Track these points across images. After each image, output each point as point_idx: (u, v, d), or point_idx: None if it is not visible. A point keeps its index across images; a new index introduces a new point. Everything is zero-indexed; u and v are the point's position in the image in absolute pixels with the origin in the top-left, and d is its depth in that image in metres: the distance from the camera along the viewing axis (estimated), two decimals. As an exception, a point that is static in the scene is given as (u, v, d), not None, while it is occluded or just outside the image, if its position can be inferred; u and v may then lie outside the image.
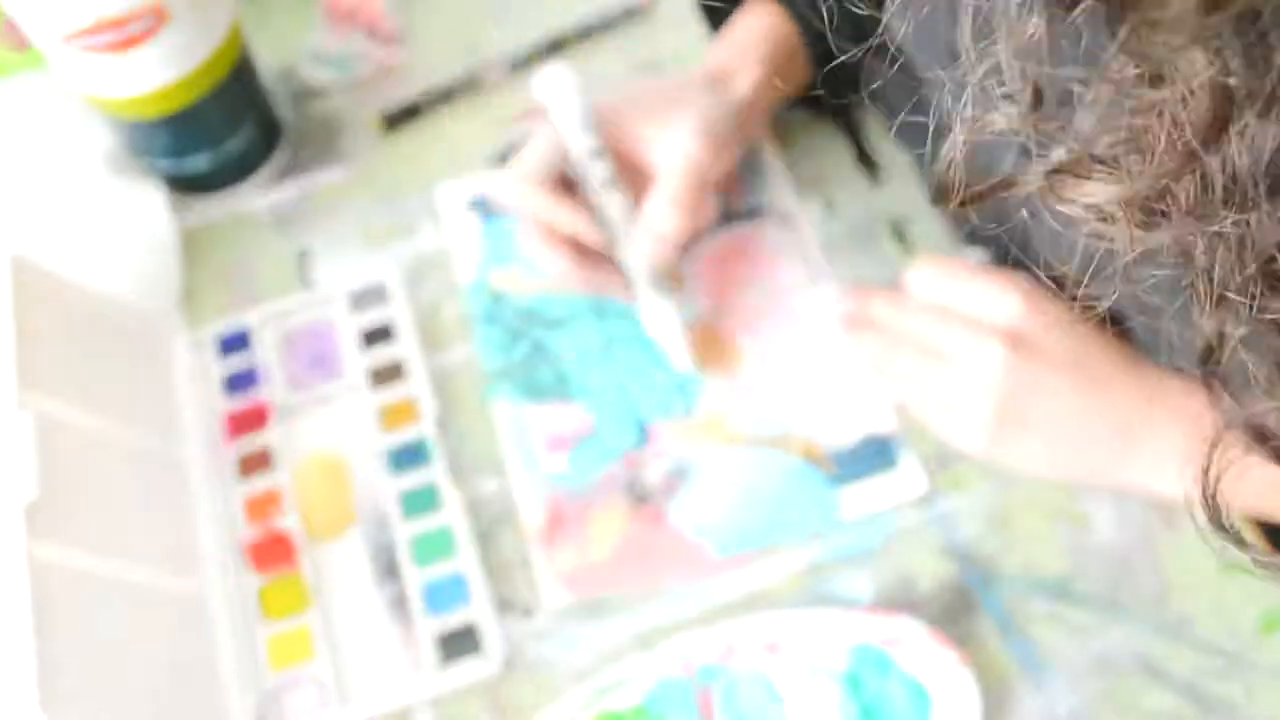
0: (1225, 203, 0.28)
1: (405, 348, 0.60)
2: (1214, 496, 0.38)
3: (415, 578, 0.55)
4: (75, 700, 0.44)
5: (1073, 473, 0.51)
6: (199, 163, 0.64)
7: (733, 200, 0.64)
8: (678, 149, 0.56)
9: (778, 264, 0.62)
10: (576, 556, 0.55)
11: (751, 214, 0.64)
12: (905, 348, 0.53)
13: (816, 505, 0.56)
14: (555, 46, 0.70)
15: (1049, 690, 0.51)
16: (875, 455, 0.57)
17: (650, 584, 0.54)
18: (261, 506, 0.57)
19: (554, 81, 0.56)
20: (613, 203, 0.55)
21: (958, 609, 0.53)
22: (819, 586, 0.54)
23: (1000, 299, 0.51)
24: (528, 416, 0.59)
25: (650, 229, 0.56)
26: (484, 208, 0.65)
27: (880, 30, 0.50)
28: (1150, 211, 0.30)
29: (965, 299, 0.52)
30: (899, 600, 0.53)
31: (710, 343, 0.60)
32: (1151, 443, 0.49)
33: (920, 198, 0.63)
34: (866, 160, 0.65)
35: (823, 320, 0.60)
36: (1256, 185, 0.27)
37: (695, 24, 0.67)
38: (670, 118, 0.57)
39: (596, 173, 0.55)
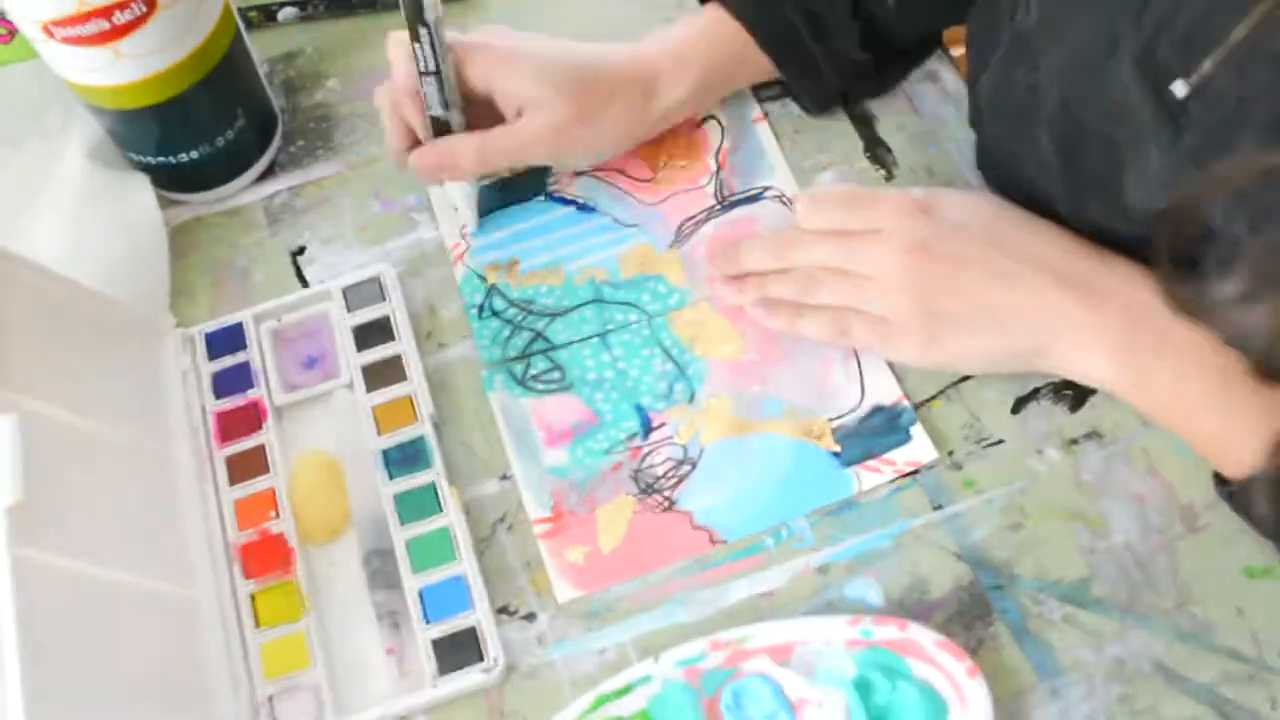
0: None
1: (401, 346, 0.59)
2: None
3: (413, 582, 0.53)
4: (61, 708, 0.42)
5: (1003, 363, 0.54)
6: (190, 156, 0.62)
7: (733, 184, 0.64)
8: (522, 136, 0.58)
9: None
10: (585, 550, 0.55)
11: (752, 197, 0.64)
12: (823, 276, 0.56)
13: (826, 483, 0.55)
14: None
15: (1065, 697, 0.50)
16: (884, 427, 0.56)
17: (658, 565, 0.54)
18: (254, 509, 0.56)
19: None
20: (430, 94, 0.57)
21: (971, 613, 0.52)
22: (828, 591, 0.53)
23: (893, 210, 0.54)
24: (527, 409, 0.58)
25: (434, 153, 0.59)
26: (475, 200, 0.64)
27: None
28: None
29: (859, 219, 0.55)
30: (910, 604, 0.52)
31: (711, 326, 0.60)
32: (1073, 330, 0.51)
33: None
34: (878, 154, 0.64)
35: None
36: None
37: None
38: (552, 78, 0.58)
39: (419, 55, 0.56)
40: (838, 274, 0.55)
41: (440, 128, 0.58)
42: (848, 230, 0.55)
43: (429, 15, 0.53)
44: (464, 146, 0.58)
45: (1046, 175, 0.54)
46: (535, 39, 0.60)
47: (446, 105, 0.57)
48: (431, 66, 0.55)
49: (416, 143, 0.59)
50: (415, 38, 0.54)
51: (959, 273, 0.53)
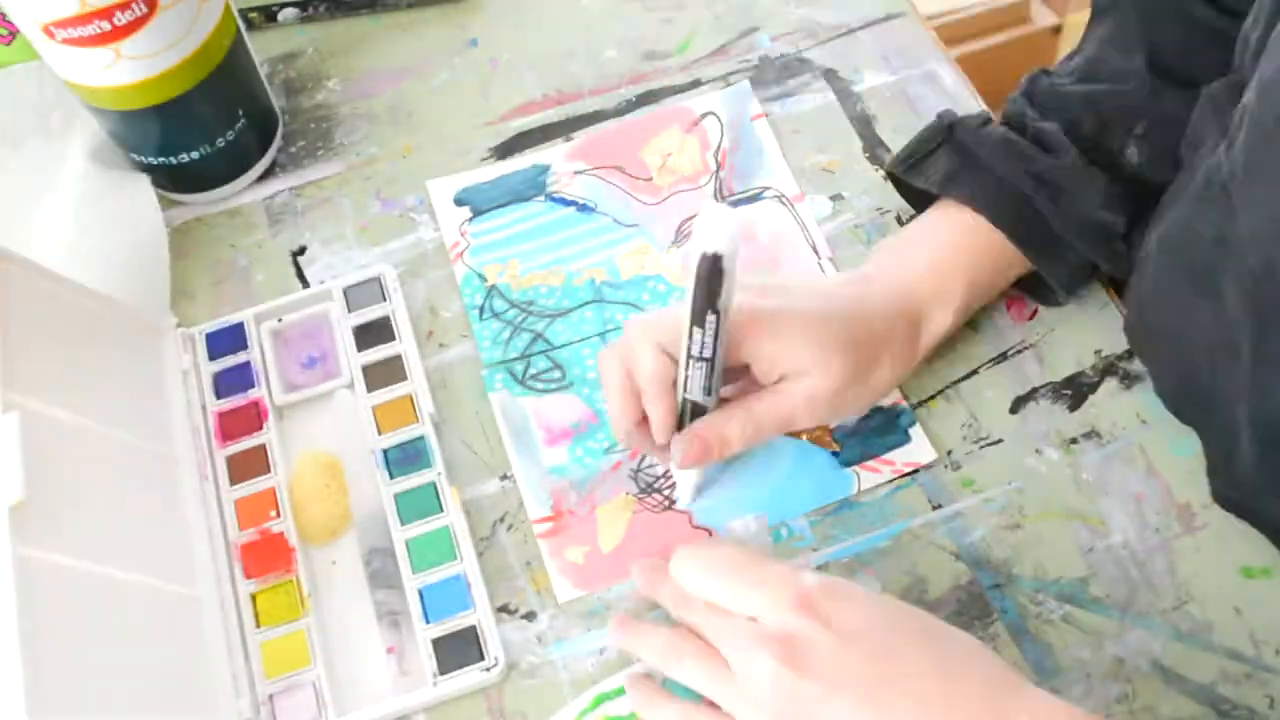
0: None
1: (402, 346, 0.59)
2: None
3: (413, 582, 0.53)
4: (63, 706, 0.42)
5: None
6: (191, 156, 0.62)
7: (732, 184, 0.64)
8: (793, 404, 0.51)
9: (778, 246, 0.62)
10: (585, 550, 0.55)
11: (751, 197, 0.64)
12: (687, 649, 0.47)
13: (825, 483, 0.55)
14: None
15: (1063, 695, 0.50)
16: (883, 427, 0.56)
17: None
18: (255, 509, 0.56)
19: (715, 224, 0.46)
20: (695, 378, 0.50)
21: (970, 612, 0.52)
22: (828, 590, 0.53)
23: (775, 600, 0.44)
24: (527, 409, 0.58)
25: (701, 441, 0.51)
26: (474, 201, 0.65)
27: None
28: None
29: (736, 597, 0.45)
30: (909, 603, 0.52)
31: None
32: None
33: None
34: (878, 154, 0.64)
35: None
36: None
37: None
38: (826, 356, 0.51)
39: (696, 341, 0.49)
40: (702, 653, 0.46)
41: (695, 410, 0.51)
42: (720, 607, 0.46)
43: (722, 302, 0.47)
44: (732, 426, 0.50)
45: (1226, 332, 0.47)
46: (793, 287, 0.53)
47: (710, 391, 0.50)
48: (708, 354, 0.48)
49: (645, 419, 0.52)
50: (699, 323, 0.47)
51: (829, 700, 0.42)
